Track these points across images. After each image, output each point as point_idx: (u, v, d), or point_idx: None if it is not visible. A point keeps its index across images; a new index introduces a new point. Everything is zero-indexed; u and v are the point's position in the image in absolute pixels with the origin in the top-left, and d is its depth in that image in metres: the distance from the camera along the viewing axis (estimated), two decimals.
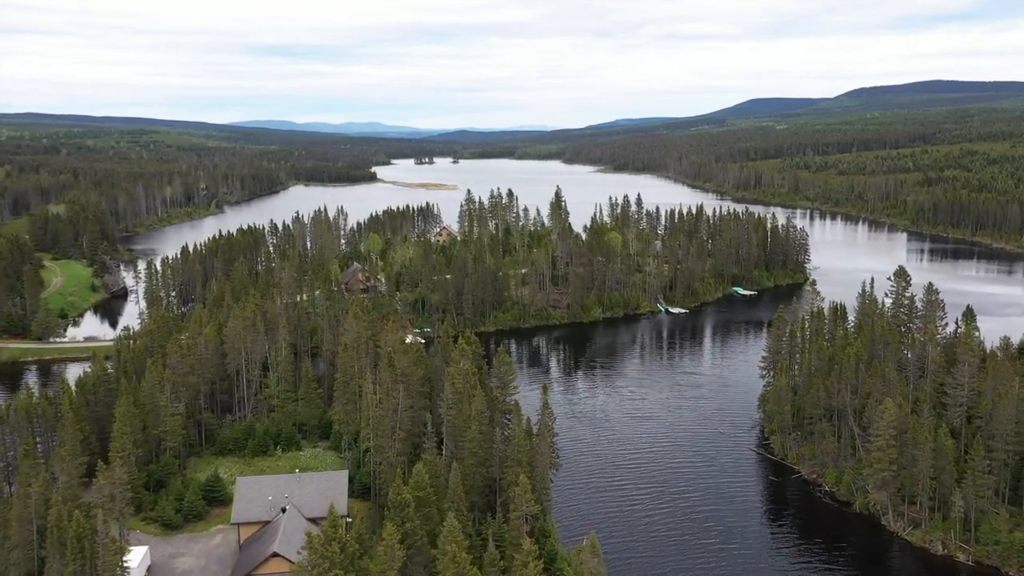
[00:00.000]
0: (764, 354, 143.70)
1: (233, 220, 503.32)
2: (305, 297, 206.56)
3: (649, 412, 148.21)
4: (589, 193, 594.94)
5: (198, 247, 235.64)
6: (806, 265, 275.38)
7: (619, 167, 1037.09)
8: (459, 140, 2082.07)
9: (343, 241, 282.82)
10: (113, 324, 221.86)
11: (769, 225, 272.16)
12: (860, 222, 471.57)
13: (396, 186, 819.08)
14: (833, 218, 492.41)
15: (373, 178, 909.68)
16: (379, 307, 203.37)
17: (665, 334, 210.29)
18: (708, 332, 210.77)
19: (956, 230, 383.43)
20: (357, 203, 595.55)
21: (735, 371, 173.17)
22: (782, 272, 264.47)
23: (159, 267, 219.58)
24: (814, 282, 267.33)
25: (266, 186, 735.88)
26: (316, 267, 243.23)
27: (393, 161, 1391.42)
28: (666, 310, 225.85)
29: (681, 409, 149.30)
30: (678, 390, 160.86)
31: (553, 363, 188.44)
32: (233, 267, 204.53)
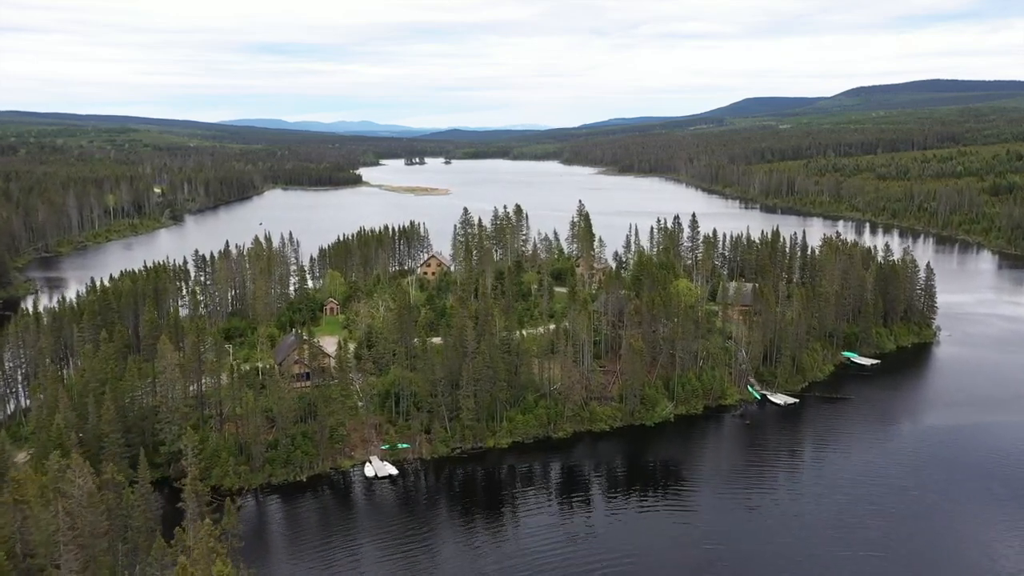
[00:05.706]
0: None
1: (192, 234, 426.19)
2: (212, 382, 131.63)
3: None
4: (602, 200, 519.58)
5: (67, 302, 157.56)
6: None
7: (623, 169, 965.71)
8: (451, 139, 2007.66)
9: (293, 281, 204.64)
10: None
11: (881, 259, 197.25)
12: (923, 238, 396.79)
13: (382, 190, 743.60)
14: (887, 232, 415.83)
15: (358, 181, 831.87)
16: (330, 407, 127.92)
17: (777, 446, 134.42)
18: (841, 442, 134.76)
19: None
20: (334, 211, 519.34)
21: (936, 540, 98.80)
22: (903, 328, 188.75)
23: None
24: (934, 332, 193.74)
25: (236, 191, 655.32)
26: (245, 329, 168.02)
27: (382, 161, 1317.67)
28: (763, 398, 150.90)
29: None
30: None
31: (600, 504, 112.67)
32: (88, 347, 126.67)
